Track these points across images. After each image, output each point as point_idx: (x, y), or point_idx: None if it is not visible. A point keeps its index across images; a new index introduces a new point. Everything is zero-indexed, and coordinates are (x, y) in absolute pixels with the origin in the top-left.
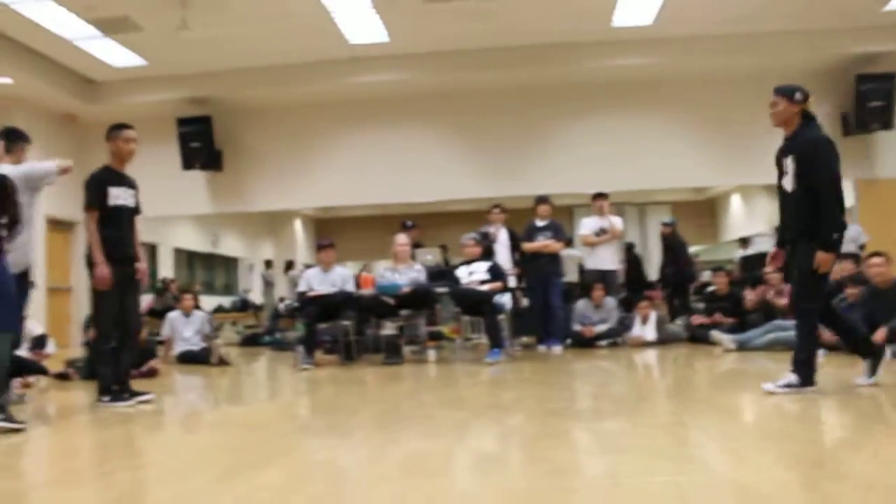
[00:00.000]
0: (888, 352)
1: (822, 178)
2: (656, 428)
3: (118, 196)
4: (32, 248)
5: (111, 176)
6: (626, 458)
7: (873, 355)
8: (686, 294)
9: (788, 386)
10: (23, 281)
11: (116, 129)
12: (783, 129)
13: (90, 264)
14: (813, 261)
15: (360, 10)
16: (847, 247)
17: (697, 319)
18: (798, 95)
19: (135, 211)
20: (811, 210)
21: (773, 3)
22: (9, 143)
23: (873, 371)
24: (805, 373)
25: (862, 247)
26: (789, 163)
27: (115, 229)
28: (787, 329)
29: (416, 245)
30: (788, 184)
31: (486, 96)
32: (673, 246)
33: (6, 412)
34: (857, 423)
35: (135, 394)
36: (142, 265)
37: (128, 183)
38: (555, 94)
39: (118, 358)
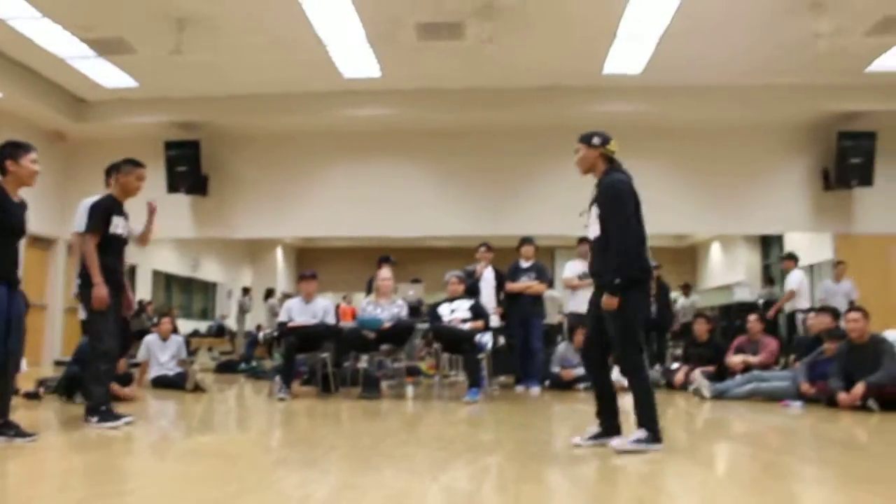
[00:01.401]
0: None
1: (613, 219)
2: (633, 476)
3: (117, 225)
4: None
5: (115, 205)
6: None
7: (605, 422)
8: (664, 339)
9: (638, 441)
10: None
11: (134, 165)
12: (589, 174)
13: (84, 287)
14: (627, 309)
15: (355, 44)
16: (839, 301)
17: (680, 377)
18: (595, 140)
19: (126, 241)
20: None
21: (757, 57)
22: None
23: (595, 437)
24: (653, 428)
25: (851, 303)
26: (593, 210)
27: (111, 257)
28: (766, 380)
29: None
30: (592, 231)
31: (474, 135)
32: (658, 289)
33: None
34: (836, 478)
35: (116, 416)
36: (129, 296)
37: (124, 213)
38: (542, 136)
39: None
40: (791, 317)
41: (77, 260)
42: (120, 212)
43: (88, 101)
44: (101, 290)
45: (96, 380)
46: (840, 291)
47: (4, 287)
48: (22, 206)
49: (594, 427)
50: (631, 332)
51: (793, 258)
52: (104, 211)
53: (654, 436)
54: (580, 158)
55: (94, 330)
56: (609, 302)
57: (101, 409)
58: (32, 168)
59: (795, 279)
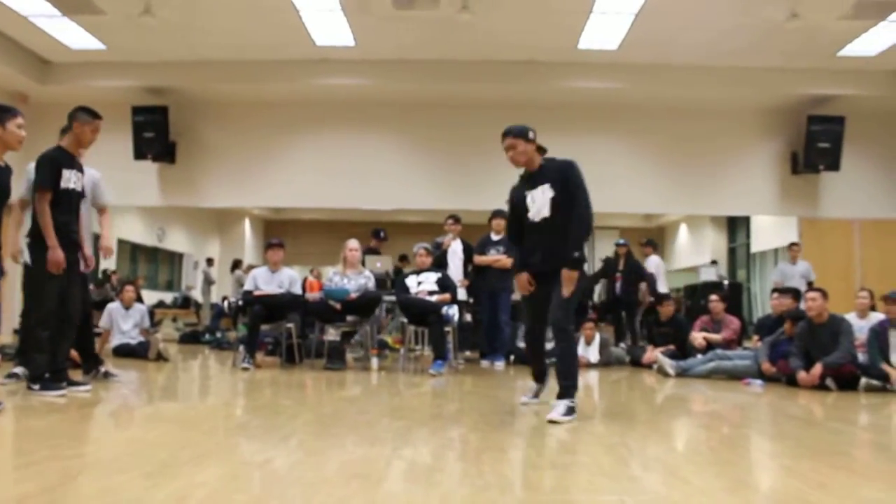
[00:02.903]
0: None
1: (581, 197)
2: (598, 447)
3: (69, 179)
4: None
5: (64, 158)
6: (571, 475)
7: (543, 383)
8: (631, 316)
9: (571, 412)
10: None
11: (88, 114)
12: (526, 167)
13: (33, 246)
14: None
15: (329, 11)
16: (797, 283)
17: (649, 355)
18: (531, 134)
19: (82, 195)
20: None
21: (732, 38)
22: None
23: (536, 395)
24: (574, 395)
25: (810, 283)
26: (541, 192)
27: (64, 213)
28: (729, 359)
29: (374, 251)
30: (540, 214)
31: (447, 108)
32: (627, 266)
33: None
34: (793, 451)
35: (72, 383)
36: (87, 252)
37: (78, 167)
38: (516, 111)
39: (55, 346)
40: None
41: (13, 223)
42: (71, 165)
43: (53, 62)
44: (56, 254)
45: (36, 347)
46: (797, 273)
47: None
48: (7, 171)
49: (534, 386)
50: (573, 301)
51: (652, 245)
52: (52, 164)
53: (574, 402)
54: (520, 153)
55: (36, 294)
56: (570, 276)
57: (45, 376)
58: (19, 133)
59: (651, 264)
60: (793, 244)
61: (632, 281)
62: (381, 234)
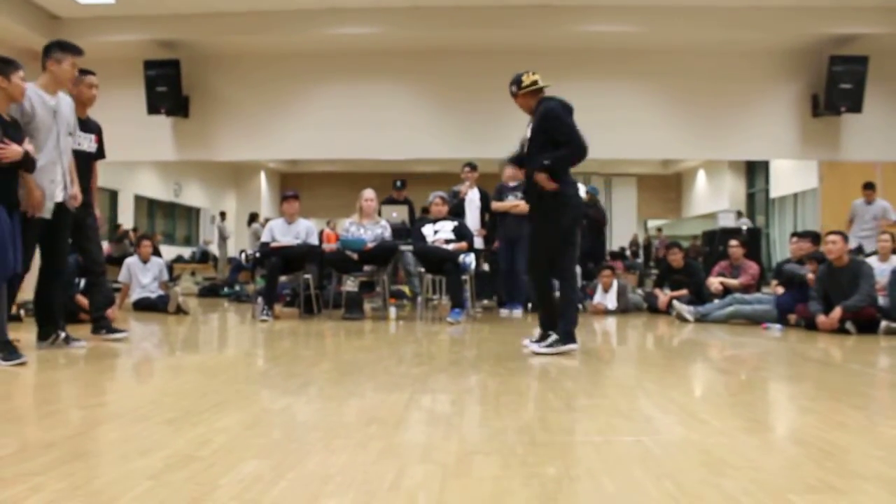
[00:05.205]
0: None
1: (561, 135)
2: (616, 390)
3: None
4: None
5: None
6: (589, 417)
7: (548, 332)
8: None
9: (552, 345)
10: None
11: (79, 73)
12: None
13: None
14: (559, 221)
15: None
16: (868, 223)
17: (664, 300)
18: (513, 88)
19: (92, 156)
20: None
21: None
22: None
23: (540, 341)
24: (568, 331)
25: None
26: (528, 133)
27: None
28: (748, 303)
29: (394, 201)
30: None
31: (461, 56)
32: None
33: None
34: (812, 393)
35: (112, 330)
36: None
37: (86, 127)
38: (530, 56)
39: (89, 297)
40: None
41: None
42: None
43: (62, 17)
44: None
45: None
46: (870, 213)
47: (3, 208)
48: (15, 125)
49: (538, 331)
50: (544, 247)
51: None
52: None
53: (568, 337)
54: (519, 106)
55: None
56: (541, 178)
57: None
58: (22, 85)
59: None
60: (868, 183)
61: (594, 230)
62: (398, 184)
